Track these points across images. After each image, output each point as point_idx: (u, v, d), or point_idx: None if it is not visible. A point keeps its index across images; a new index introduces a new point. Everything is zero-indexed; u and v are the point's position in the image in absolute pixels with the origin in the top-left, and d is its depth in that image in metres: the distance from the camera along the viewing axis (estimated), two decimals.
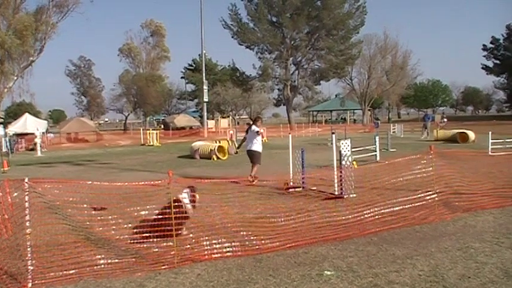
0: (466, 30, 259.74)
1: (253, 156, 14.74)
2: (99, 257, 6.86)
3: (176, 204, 7.39)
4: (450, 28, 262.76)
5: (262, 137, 14.47)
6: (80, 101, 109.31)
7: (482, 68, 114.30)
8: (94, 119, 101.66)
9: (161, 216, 7.47)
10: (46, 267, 6.44)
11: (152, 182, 8.42)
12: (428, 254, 6.89)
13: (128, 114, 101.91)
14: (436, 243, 7.41)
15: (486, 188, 11.21)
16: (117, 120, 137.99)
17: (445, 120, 46.00)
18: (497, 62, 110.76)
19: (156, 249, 7.22)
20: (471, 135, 30.71)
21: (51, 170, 21.51)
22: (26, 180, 6.13)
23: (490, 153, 20.57)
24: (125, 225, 7.71)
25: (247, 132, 15.49)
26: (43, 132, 39.20)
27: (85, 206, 8.01)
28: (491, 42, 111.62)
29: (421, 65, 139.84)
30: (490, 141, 21.47)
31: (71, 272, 6.36)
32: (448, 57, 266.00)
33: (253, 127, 14.99)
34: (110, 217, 7.96)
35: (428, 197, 9.64)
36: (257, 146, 14.75)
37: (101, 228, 8.00)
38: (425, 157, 9.86)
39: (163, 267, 6.63)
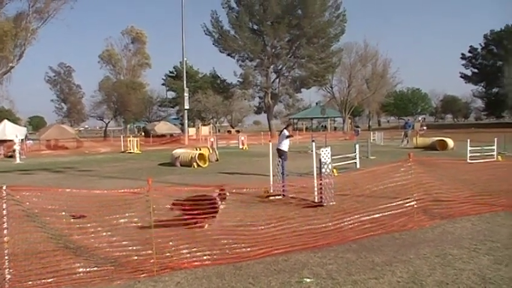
0: (445, 39, 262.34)
1: (281, 153, 15.88)
2: (78, 265, 6.82)
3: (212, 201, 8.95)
4: (429, 37, 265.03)
5: (291, 138, 16.72)
6: (59, 107, 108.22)
7: (461, 76, 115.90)
8: (74, 126, 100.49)
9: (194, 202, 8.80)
10: (24, 275, 6.38)
11: (131, 190, 8.38)
12: (407, 260, 6.95)
13: (109, 121, 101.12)
14: (415, 250, 7.47)
15: (464, 195, 11.32)
16: (98, 127, 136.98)
17: (425, 128, 46.39)
18: (476, 70, 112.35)
19: (135, 257, 7.17)
20: (450, 143, 30.99)
21: (31, 177, 21.29)
22: (4, 187, 6.08)
23: (468, 160, 20.75)
24: (104, 233, 7.65)
25: (279, 134, 16.93)
26: (22, 139, 38.71)
27: (64, 213, 7.96)
28: (469, 52, 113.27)
29: (400, 73, 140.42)
30: (469, 148, 21.67)
31: (49, 280, 6.30)
32: (427, 65, 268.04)
33: (285, 131, 16.31)
34: (88, 225, 7.91)
35: (407, 205, 9.70)
36: (285, 146, 15.94)
37: (79, 236, 7.94)
38: (404, 165, 9.94)
39: (142, 275, 6.59)
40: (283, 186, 12.80)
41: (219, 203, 9.34)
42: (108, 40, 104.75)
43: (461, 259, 6.98)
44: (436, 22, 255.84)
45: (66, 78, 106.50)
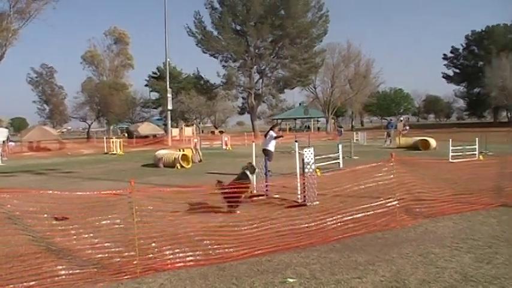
0: (427, 40, 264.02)
1: (266, 153, 17.34)
2: (60, 267, 6.75)
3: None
4: (412, 38, 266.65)
5: (280, 139, 18.49)
6: (42, 109, 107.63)
7: (443, 76, 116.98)
8: (56, 128, 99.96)
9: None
10: (5, 279, 6.33)
11: (114, 191, 8.34)
12: (389, 260, 6.98)
13: (91, 123, 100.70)
14: (398, 249, 7.51)
15: (446, 194, 11.39)
16: (80, 129, 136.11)
17: (407, 128, 46.60)
18: (457, 71, 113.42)
19: (118, 259, 7.14)
20: (432, 142, 31.20)
21: (13, 179, 21.12)
22: None
23: (450, 160, 20.91)
24: (86, 235, 7.61)
25: (265, 135, 18.26)
26: (4, 141, 38.40)
27: (46, 216, 7.90)
28: (451, 52, 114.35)
29: (383, 73, 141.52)
30: (451, 148, 21.85)
31: (31, 283, 6.25)
32: (410, 66, 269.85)
33: (271, 132, 17.87)
34: (71, 227, 7.85)
35: (389, 204, 9.75)
36: (271, 146, 17.59)
37: (62, 239, 7.88)
38: (386, 164, 9.99)
39: (125, 277, 6.57)
40: (266, 186, 12.80)
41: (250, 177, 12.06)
42: (90, 41, 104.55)
43: (443, 258, 7.03)
44: (418, 23, 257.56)
45: (49, 79, 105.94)
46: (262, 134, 25.69)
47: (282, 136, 16.08)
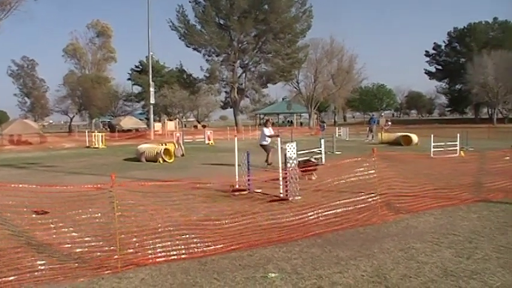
0: (410, 36, 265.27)
1: (264, 148, 19.98)
2: (40, 262, 6.69)
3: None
4: (394, 34, 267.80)
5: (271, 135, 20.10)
6: (23, 102, 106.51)
7: (425, 73, 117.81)
8: (38, 121, 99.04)
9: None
10: None
11: (95, 185, 8.28)
12: (371, 255, 7.01)
13: (73, 116, 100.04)
14: (379, 244, 7.54)
15: (427, 190, 11.47)
16: (62, 122, 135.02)
17: (390, 123, 46.81)
18: (439, 67, 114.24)
19: (99, 254, 7.09)
20: (414, 138, 31.41)
21: None
22: None
23: (431, 155, 21.04)
24: (67, 229, 7.55)
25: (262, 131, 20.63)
26: None
27: (26, 210, 7.83)
28: (433, 49, 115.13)
29: (366, 69, 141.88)
30: (432, 144, 21.98)
31: (11, 278, 6.17)
32: (392, 62, 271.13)
33: (265, 129, 20.24)
34: (51, 221, 7.79)
35: (371, 199, 9.80)
36: (266, 141, 19.92)
37: (42, 233, 7.82)
38: (368, 160, 10.03)
39: (106, 272, 6.51)
40: (248, 180, 12.79)
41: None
42: (72, 34, 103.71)
43: (424, 253, 7.07)
44: (401, 19, 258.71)
45: (30, 72, 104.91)
46: (245, 128, 26.61)
47: (278, 135, 15.83)
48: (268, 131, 20.31)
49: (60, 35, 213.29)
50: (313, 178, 13.80)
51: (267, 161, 19.69)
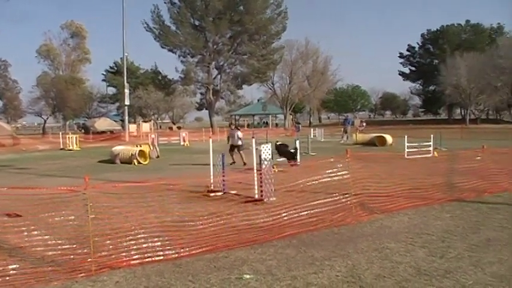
0: (384, 38, 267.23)
1: (239, 148, 21.62)
2: (13, 266, 6.61)
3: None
4: (369, 36, 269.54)
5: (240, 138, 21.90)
6: None
7: (399, 74, 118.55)
8: (11, 123, 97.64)
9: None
10: None
11: (68, 188, 8.19)
12: (345, 255, 7.04)
13: (47, 118, 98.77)
14: (354, 245, 7.58)
15: (401, 190, 11.55)
16: (36, 124, 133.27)
17: (364, 124, 47.13)
18: (413, 69, 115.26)
19: (72, 257, 7.01)
20: (389, 139, 31.64)
21: None
22: None
23: (406, 156, 21.23)
24: (39, 232, 7.46)
25: (231, 133, 22.41)
26: None
27: None
28: (407, 50, 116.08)
29: (341, 70, 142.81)
30: (406, 144, 22.17)
31: None
32: (367, 63, 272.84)
33: (238, 133, 22.06)
34: (23, 224, 7.70)
35: (345, 200, 9.85)
36: (239, 142, 21.66)
37: (14, 236, 7.72)
38: (342, 160, 10.09)
39: (80, 275, 6.43)
40: (223, 182, 12.77)
41: None
42: (46, 34, 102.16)
43: (398, 252, 7.13)
44: (375, 21, 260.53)
45: (2, 73, 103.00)
46: (220, 130, 27.31)
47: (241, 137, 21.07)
48: (241, 133, 22.30)
49: (34, 36, 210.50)
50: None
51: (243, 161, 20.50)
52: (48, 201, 8.40)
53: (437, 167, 16.45)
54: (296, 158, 18.94)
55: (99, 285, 6.14)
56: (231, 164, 20.02)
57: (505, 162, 15.04)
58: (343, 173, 9.96)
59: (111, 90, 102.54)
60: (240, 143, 21.81)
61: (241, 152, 21.48)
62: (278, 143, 21.08)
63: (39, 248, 7.27)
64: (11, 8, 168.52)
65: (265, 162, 11.64)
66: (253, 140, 12.92)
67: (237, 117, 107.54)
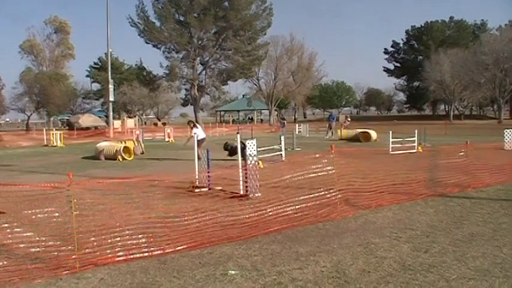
0: (369, 34, 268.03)
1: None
2: None
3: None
4: (354, 32, 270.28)
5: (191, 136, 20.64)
6: None
7: (384, 70, 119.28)
8: None
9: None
10: None
11: (52, 184, 8.13)
12: (330, 250, 7.05)
13: (31, 114, 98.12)
14: (338, 240, 7.60)
15: (386, 185, 11.58)
16: (19, 120, 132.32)
17: (349, 120, 47.28)
18: (398, 65, 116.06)
19: (56, 254, 6.96)
20: (373, 134, 31.78)
21: None
22: None
23: (390, 151, 21.34)
24: (23, 229, 7.40)
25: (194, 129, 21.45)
26: None
27: None
28: (392, 46, 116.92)
29: (326, 66, 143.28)
30: (391, 140, 22.28)
31: None
32: (351, 59, 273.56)
33: (199, 128, 21.89)
34: (5, 220, 7.63)
35: (330, 195, 9.86)
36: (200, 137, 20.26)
37: None
38: (326, 156, 10.10)
39: (64, 272, 6.39)
40: (208, 178, 12.75)
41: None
42: (29, 30, 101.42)
43: (383, 247, 7.15)
44: (360, 17, 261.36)
45: None
46: (205, 126, 27.53)
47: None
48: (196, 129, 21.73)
49: (17, 31, 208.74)
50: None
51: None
52: (31, 198, 8.36)
53: (421, 162, 16.56)
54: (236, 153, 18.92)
55: (83, 282, 6.10)
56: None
57: (488, 157, 15.22)
58: (328, 168, 9.98)
59: (96, 86, 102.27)
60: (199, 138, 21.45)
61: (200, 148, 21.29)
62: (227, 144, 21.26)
63: (22, 245, 7.21)
64: None
65: (250, 158, 11.64)
66: (238, 136, 12.91)
67: (222, 113, 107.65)
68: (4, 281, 6.08)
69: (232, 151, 19.18)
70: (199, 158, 19.45)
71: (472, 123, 66.22)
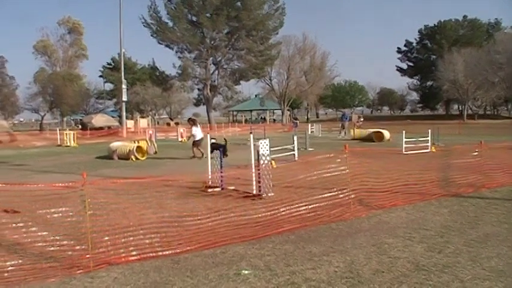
0: (382, 33, 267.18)
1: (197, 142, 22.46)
2: (10, 263, 6.59)
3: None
4: (367, 31, 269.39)
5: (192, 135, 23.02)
6: None
7: (397, 69, 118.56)
8: (8, 119, 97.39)
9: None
10: None
11: (66, 184, 8.17)
12: (344, 250, 7.03)
13: (44, 114, 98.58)
14: (352, 240, 7.57)
15: (399, 185, 11.52)
16: (33, 120, 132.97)
17: (362, 119, 47.16)
18: (411, 64, 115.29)
19: (70, 253, 7.00)
20: (386, 134, 31.64)
21: None
22: None
23: (403, 151, 21.25)
24: (37, 228, 7.45)
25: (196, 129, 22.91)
26: None
27: None
28: (405, 46, 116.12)
29: (338, 66, 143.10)
30: (404, 140, 22.19)
31: None
32: (364, 59, 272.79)
33: (198, 128, 23.07)
34: (21, 220, 7.68)
35: (343, 195, 9.83)
36: (197, 137, 22.40)
37: (11, 232, 7.70)
38: (340, 156, 10.08)
39: (78, 271, 6.42)
40: (221, 177, 12.76)
41: None
42: (43, 30, 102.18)
43: (396, 248, 7.12)
44: (373, 16, 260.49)
45: None
46: (218, 125, 28.25)
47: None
48: (195, 128, 23.06)
49: (30, 32, 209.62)
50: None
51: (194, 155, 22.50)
52: (46, 197, 8.41)
53: (434, 162, 16.46)
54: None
55: (97, 282, 6.12)
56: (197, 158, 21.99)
57: (503, 157, 15.09)
58: (341, 168, 9.95)
59: (109, 86, 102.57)
60: (197, 138, 22.61)
61: (199, 147, 22.28)
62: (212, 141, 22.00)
63: (37, 245, 7.26)
64: (6, 4, 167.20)
65: (263, 158, 11.64)
66: (251, 136, 12.91)
67: (234, 113, 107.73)
68: (19, 280, 6.12)
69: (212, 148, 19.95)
70: (196, 157, 21.71)
71: (485, 122, 65.72)
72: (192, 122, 24.05)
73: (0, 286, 5.99)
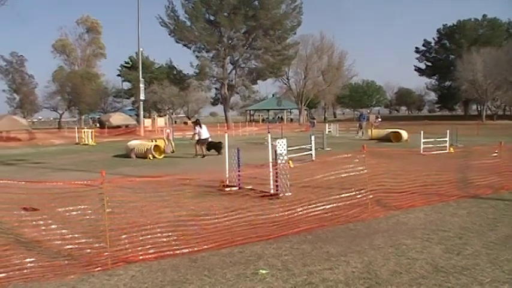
0: (399, 33, 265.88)
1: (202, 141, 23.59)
2: (30, 259, 6.64)
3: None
4: (384, 31, 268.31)
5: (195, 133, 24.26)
6: (11, 98, 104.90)
7: (415, 69, 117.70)
8: (27, 117, 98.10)
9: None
10: None
11: (85, 182, 8.22)
12: (361, 251, 7.00)
13: (63, 113, 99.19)
14: (369, 241, 7.54)
15: (417, 186, 11.47)
16: (52, 119, 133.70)
17: (380, 119, 46.97)
18: (429, 64, 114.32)
19: (89, 251, 7.04)
20: (404, 134, 31.45)
21: None
22: None
23: (421, 152, 21.12)
24: (56, 226, 7.50)
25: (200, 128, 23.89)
26: None
27: (15, 207, 7.78)
28: (423, 45, 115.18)
29: (356, 65, 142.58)
30: (422, 140, 22.06)
31: (0, 276, 6.13)
32: (382, 58, 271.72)
33: (203, 128, 23.90)
34: (40, 218, 7.73)
35: (361, 195, 9.79)
36: (203, 137, 23.53)
37: (31, 230, 7.77)
38: (358, 156, 10.04)
39: (96, 269, 6.46)
40: (238, 176, 12.76)
41: None
42: (62, 29, 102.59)
43: (415, 249, 7.08)
44: (391, 15, 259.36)
45: (19, 68, 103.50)
46: (235, 125, 29.01)
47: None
48: (198, 128, 24.06)
49: (49, 31, 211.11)
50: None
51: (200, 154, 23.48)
52: (64, 195, 8.45)
53: (453, 163, 16.35)
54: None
55: (115, 279, 6.16)
56: (202, 157, 23.05)
57: None
58: (359, 168, 9.92)
59: (126, 85, 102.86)
60: (197, 137, 23.85)
61: (202, 146, 23.52)
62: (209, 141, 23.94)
63: (56, 242, 7.32)
64: (25, 3, 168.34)
65: (281, 157, 11.63)
66: (269, 135, 12.90)
67: (251, 112, 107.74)
68: (38, 276, 6.18)
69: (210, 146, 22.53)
70: (197, 155, 23.22)
71: (505, 123, 65.08)
72: (195, 122, 25.40)
73: (20, 282, 6.04)
